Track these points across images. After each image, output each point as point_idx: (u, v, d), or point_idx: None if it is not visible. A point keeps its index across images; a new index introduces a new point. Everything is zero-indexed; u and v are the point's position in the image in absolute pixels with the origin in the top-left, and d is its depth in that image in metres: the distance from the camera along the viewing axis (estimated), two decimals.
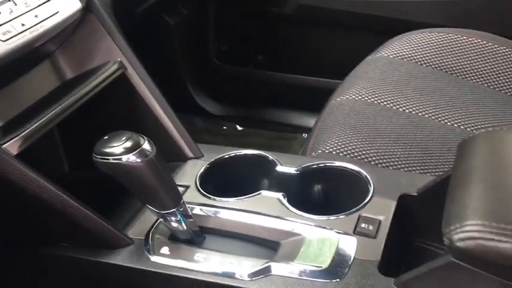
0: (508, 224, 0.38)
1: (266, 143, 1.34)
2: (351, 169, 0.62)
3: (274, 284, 0.49)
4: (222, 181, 0.64)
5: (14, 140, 0.52)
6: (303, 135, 1.33)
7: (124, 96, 0.67)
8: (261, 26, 1.33)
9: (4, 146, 0.52)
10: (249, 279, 0.50)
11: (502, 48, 0.98)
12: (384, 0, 1.17)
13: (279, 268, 0.50)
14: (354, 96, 0.89)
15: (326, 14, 1.22)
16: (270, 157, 0.64)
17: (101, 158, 0.50)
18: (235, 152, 0.66)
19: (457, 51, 1.00)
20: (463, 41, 1.01)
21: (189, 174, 0.63)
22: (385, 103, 0.87)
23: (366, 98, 0.88)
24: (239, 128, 1.43)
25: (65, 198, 0.52)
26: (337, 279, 0.48)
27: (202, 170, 0.64)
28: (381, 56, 1.00)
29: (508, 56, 0.97)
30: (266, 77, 1.36)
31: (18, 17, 0.55)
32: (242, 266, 0.52)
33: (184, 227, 0.55)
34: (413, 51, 1.00)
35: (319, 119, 0.88)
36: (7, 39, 0.53)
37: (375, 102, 0.87)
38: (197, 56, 1.39)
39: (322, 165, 0.63)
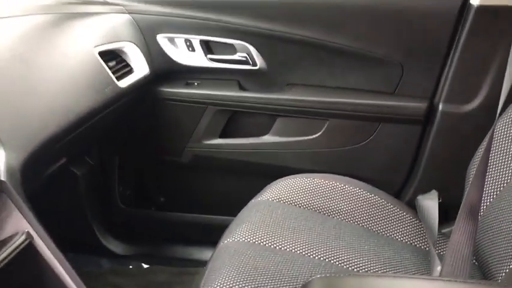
0: None
1: (171, 279, 1.43)
2: None
3: None
4: None
5: None
6: (201, 269, 1.46)
7: (31, 261, 0.77)
8: (161, 172, 1.50)
9: None
10: None
11: (356, 189, 1.21)
12: (265, 150, 1.40)
13: None
14: (238, 239, 1.04)
15: (216, 162, 1.41)
16: None
17: None
18: None
19: (322, 193, 1.20)
20: (326, 184, 1.23)
21: None
22: (264, 243, 1.03)
23: (248, 240, 1.04)
24: (145, 266, 1.52)
25: None
26: None
27: None
28: (262, 199, 1.18)
29: (361, 195, 1.20)
30: (167, 217, 1.50)
31: None
32: None
33: None
34: (288, 194, 1.19)
35: (209, 261, 1.02)
36: None
37: (256, 242, 1.03)
38: (102, 201, 1.51)
39: None
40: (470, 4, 1.15)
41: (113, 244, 1.51)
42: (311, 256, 1.02)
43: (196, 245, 1.50)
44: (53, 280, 0.76)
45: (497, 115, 0.95)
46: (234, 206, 1.18)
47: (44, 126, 0.95)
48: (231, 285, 0.90)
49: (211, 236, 1.21)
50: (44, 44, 1.09)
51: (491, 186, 0.92)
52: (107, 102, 1.15)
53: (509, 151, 0.93)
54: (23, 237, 0.77)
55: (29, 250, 0.77)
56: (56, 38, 1.13)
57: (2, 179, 0.77)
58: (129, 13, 1.33)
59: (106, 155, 1.46)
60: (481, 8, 1.13)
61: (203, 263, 1.51)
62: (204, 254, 1.48)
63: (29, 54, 1.03)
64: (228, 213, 1.28)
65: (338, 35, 1.26)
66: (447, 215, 1.18)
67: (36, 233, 0.78)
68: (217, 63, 1.35)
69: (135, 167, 1.51)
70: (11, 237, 0.77)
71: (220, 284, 0.91)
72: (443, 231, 1.13)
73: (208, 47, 1.35)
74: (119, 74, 1.23)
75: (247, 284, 0.90)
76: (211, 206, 1.46)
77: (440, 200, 1.15)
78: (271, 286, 0.91)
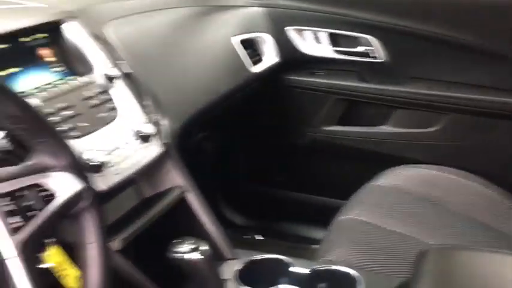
0: None
1: (285, 252, 1.55)
2: (349, 273, 0.84)
3: None
4: (252, 276, 0.87)
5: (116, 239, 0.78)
6: (312, 246, 1.56)
7: (184, 211, 0.93)
8: (281, 153, 1.62)
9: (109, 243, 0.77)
10: None
11: (472, 183, 1.22)
12: (381, 139, 1.47)
13: None
14: (353, 216, 1.13)
15: (333, 147, 1.51)
16: (289, 261, 0.87)
17: (174, 255, 0.75)
18: (262, 256, 0.89)
19: (438, 184, 1.24)
20: (443, 176, 1.26)
21: (229, 271, 0.86)
22: (377, 223, 1.11)
23: (362, 218, 1.12)
24: (258, 238, 1.66)
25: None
26: None
27: (238, 267, 0.87)
28: (376, 184, 1.25)
29: (477, 189, 1.22)
30: (284, 194, 1.63)
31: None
32: None
33: None
34: (403, 182, 1.24)
35: (327, 234, 1.12)
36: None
37: (369, 222, 1.11)
38: (226, 175, 1.67)
39: (327, 268, 0.86)
40: None
41: (232, 215, 1.67)
42: (421, 239, 1.07)
43: (308, 224, 1.60)
44: (201, 231, 0.91)
45: None
46: (347, 189, 1.26)
47: (194, 102, 1.11)
48: (347, 255, 0.99)
49: (323, 216, 1.31)
50: (191, 32, 1.25)
51: None
52: (242, 85, 1.30)
53: None
54: (179, 191, 0.92)
55: (182, 203, 0.92)
56: (201, 27, 1.29)
57: (167, 141, 0.93)
58: (262, 6, 1.46)
59: (234, 133, 1.61)
60: None
61: (314, 241, 1.63)
62: (315, 233, 1.57)
63: (180, 40, 1.20)
64: (340, 197, 1.36)
65: (463, 30, 1.29)
66: None
67: (190, 188, 0.93)
68: (341, 55, 1.43)
69: (259, 146, 1.64)
70: (168, 190, 0.93)
71: (338, 253, 1.00)
72: None
73: (333, 39, 1.44)
74: (253, 60, 1.37)
75: (361, 256, 0.99)
76: (325, 188, 1.56)
77: None
78: (384, 259, 0.99)
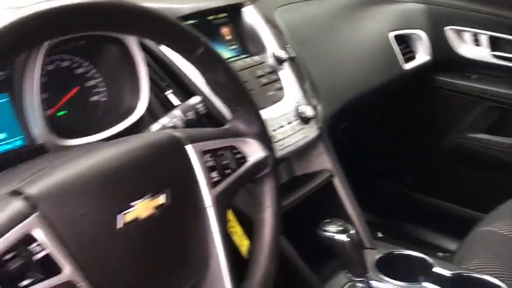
0: None
1: None
2: (494, 283, 0.82)
3: None
4: (391, 269, 0.88)
5: None
6: (439, 253, 1.51)
7: (330, 194, 0.97)
8: (419, 154, 1.59)
9: None
10: None
11: None
12: None
13: None
14: (495, 229, 1.09)
15: (476, 156, 1.45)
16: (432, 261, 0.88)
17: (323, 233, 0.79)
18: (404, 251, 0.91)
19: None
20: None
21: (370, 258, 0.89)
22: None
23: (505, 233, 1.07)
24: (379, 235, 1.65)
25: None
26: None
27: (378, 257, 0.90)
28: None
29: None
30: (413, 196, 1.60)
31: None
32: None
33: None
34: None
35: (462, 243, 1.09)
36: None
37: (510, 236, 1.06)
38: (356, 169, 1.67)
39: (471, 274, 0.85)
40: None
41: None
42: None
43: (435, 230, 1.56)
44: (344, 216, 0.94)
45: None
46: (485, 202, 1.21)
47: (347, 90, 1.14)
48: (487, 266, 0.96)
49: (454, 226, 1.27)
50: (351, 23, 1.27)
51: None
52: (393, 80, 1.29)
53: None
54: (328, 174, 0.96)
55: (329, 186, 0.96)
56: (361, 19, 1.31)
57: (321, 125, 0.97)
58: (423, 3, 1.44)
59: (374, 127, 1.61)
60: None
61: (440, 249, 1.58)
62: (442, 241, 1.53)
63: (340, 29, 1.23)
64: (477, 209, 1.31)
65: None
66: None
67: (337, 173, 0.96)
68: (501, 60, 1.36)
69: (398, 144, 1.62)
70: (317, 172, 0.97)
71: (476, 263, 0.98)
72: None
73: (494, 43, 1.37)
74: (405, 57, 1.36)
75: (502, 268, 0.95)
76: (460, 197, 1.50)
77: None
78: None
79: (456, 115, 1.45)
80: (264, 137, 0.62)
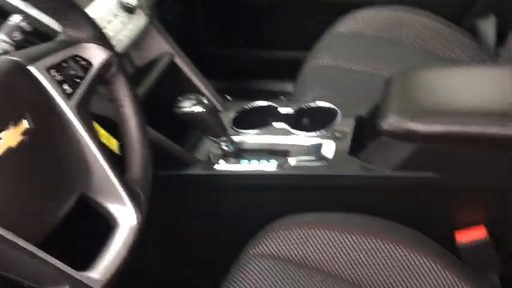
0: (409, 114, 0.76)
1: None
2: (327, 107, 0.99)
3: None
4: (246, 121, 1.01)
5: None
6: (281, 97, 1.70)
7: (176, 74, 1.03)
8: (241, 14, 1.68)
9: None
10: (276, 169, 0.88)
11: (421, 18, 1.35)
12: None
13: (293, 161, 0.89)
14: (320, 63, 1.26)
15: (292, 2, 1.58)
16: (276, 104, 1.01)
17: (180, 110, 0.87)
18: (252, 103, 1.03)
19: (390, 23, 1.36)
20: (393, 15, 1.38)
21: (226, 118, 0.99)
22: (343, 66, 1.24)
23: (329, 63, 1.25)
24: (228, 98, 1.78)
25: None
26: (326, 162, 0.87)
27: (232, 115, 1.01)
28: (337, 31, 1.36)
29: (426, 23, 1.36)
30: (247, 54, 1.72)
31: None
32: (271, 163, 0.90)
33: (232, 148, 0.92)
34: (359, 26, 1.36)
35: (297, 82, 1.26)
36: None
37: (336, 65, 1.24)
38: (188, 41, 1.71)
39: (309, 105, 1.01)
40: None
41: None
42: (384, 74, 1.20)
43: (276, 78, 1.72)
44: (194, 90, 1.02)
45: None
46: (309, 40, 1.37)
47: None
48: (321, 96, 1.13)
49: (288, 70, 1.43)
50: None
51: None
52: None
53: None
54: (168, 56, 1.01)
55: (172, 66, 1.02)
56: None
57: (149, 12, 0.99)
58: None
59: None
60: None
61: (281, 93, 1.77)
62: (284, 86, 1.70)
63: None
64: (303, 48, 1.47)
65: None
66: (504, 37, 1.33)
67: (176, 52, 1.02)
68: None
69: (219, 9, 1.68)
70: (158, 57, 1.01)
71: (312, 96, 1.15)
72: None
73: None
74: None
75: (334, 95, 1.13)
76: (287, 42, 1.65)
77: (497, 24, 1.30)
78: (353, 95, 1.14)
79: None
80: (101, 38, 0.64)
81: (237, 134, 0.97)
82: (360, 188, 0.85)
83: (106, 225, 0.63)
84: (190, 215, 0.96)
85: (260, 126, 0.98)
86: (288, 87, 1.60)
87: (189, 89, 1.03)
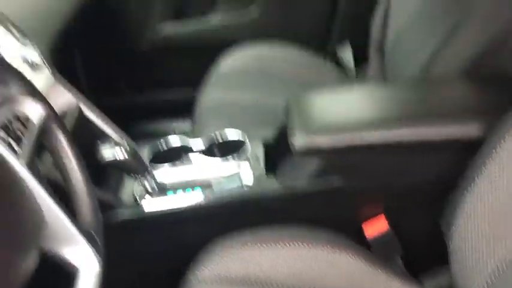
0: (314, 132, 0.88)
1: None
2: (235, 133, 1.09)
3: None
4: (163, 157, 1.06)
5: None
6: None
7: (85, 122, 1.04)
8: (121, 61, 1.72)
9: None
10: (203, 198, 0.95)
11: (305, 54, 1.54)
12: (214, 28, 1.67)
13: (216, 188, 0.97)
14: (212, 98, 1.36)
15: (173, 45, 1.67)
16: (186, 137, 1.08)
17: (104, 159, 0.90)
18: (164, 139, 1.08)
19: (265, 58, 1.52)
20: (268, 50, 1.54)
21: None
22: (232, 98, 1.35)
23: (219, 98, 1.36)
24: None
25: None
26: (246, 185, 0.96)
27: (149, 153, 1.05)
28: (221, 68, 1.48)
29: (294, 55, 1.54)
30: (141, 98, 1.76)
31: None
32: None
33: (155, 184, 0.97)
34: (240, 62, 1.50)
35: (195, 114, 1.34)
36: None
37: (227, 99, 1.35)
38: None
39: (216, 134, 1.09)
40: None
41: None
42: (270, 102, 1.36)
43: (174, 117, 1.77)
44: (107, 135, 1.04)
45: None
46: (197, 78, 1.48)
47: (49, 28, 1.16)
48: (221, 127, 1.23)
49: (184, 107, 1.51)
50: None
51: (392, 25, 1.26)
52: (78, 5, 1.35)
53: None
54: (76, 107, 1.03)
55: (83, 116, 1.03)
56: None
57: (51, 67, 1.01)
58: None
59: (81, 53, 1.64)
60: None
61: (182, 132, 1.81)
62: (177, 125, 1.76)
63: None
64: (191, 85, 1.56)
65: None
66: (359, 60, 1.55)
67: (83, 103, 1.04)
68: None
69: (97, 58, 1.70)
70: (66, 109, 1.02)
71: (213, 128, 1.24)
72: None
73: None
74: None
75: (232, 123, 1.24)
76: (177, 82, 1.73)
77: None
78: (251, 120, 1.26)
79: (140, 11, 1.61)
80: (34, 92, 0.67)
81: (157, 169, 1.02)
82: (282, 202, 0.96)
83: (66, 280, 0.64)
84: (124, 253, 0.97)
85: (177, 159, 1.04)
86: (183, 125, 1.68)
87: (103, 135, 1.06)
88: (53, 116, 0.68)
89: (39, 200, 0.61)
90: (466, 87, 0.94)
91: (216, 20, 1.67)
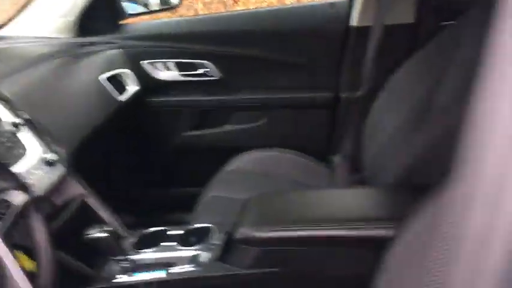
0: (262, 225, 1.06)
1: None
2: (206, 226, 1.29)
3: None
4: (145, 243, 1.27)
5: None
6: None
7: (85, 209, 1.30)
8: (154, 159, 2.03)
9: None
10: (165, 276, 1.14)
11: (294, 156, 1.76)
12: (228, 136, 1.95)
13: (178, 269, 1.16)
14: (211, 194, 1.58)
15: (193, 147, 1.96)
16: (167, 228, 1.30)
17: (88, 237, 1.14)
18: (149, 229, 1.31)
19: (268, 162, 1.75)
20: (272, 155, 1.77)
21: (129, 241, 1.26)
22: (230, 196, 1.58)
23: (220, 194, 1.58)
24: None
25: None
26: (201, 268, 1.14)
27: (133, 239, 1.28)
28: (228, 169, 1.72)
29: (297, 161, 1.75)
30: (156, 192, 2.04)
31: None
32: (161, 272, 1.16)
33: (129, 264, 1.18)
34: (245, 164, 1.73)
35: (194, 210, 1.56)
36: None
37: (225, 196, 1.57)
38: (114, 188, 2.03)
39: (193, 226, 1.30)
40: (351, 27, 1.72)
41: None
42: None
43: (180, 211, 2.01)
44: (102, 222, 1.29)
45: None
46: (209, 177, 1.72)
47: (79, 130, 1.48)
48: (211, 220, 1.44)
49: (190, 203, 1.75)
50: (67, 77, 1.61)
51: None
52: (114, 110, 1.68)
53: None
54: (80, 197, 1.30)
55: (86, 205, 1.30)
56: (72, 72, 1.65)
57: (66, 163, 1.30)
58: (119, 48, 1.86)
59: (110, 153, 1.98)
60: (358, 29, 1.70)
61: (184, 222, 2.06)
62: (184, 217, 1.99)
63: (60, 84, 1.55)
64: (199, 185, 1.80)
65: (270, 51, 1.82)
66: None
67: (89, 194, 1.31)
68: (187, 77, 1.89)
69: (137, 156, 2.03)
70: (73, 198, 1.30)
71: (203, 220, 1.45)
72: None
73: (179, 66, 1.88)
74: (120, 91, 1.76)
75: (220, 219, 1.45)
76: (190, 181, 1.99)
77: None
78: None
79: (169, 123, 1.93)
80: (22, 186, 0.93)
81: (137, 253, 1.24)
82: (226, 284, 1.12)
83: None
84: None
85: (155, 246, 1.25)
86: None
87: (98, 221, 1.30)
88: (32, 203, 0.93)
89: (6, 260, 0.85)
90: (383, 195, 1.10)
91: (228, 129, 1.95)
